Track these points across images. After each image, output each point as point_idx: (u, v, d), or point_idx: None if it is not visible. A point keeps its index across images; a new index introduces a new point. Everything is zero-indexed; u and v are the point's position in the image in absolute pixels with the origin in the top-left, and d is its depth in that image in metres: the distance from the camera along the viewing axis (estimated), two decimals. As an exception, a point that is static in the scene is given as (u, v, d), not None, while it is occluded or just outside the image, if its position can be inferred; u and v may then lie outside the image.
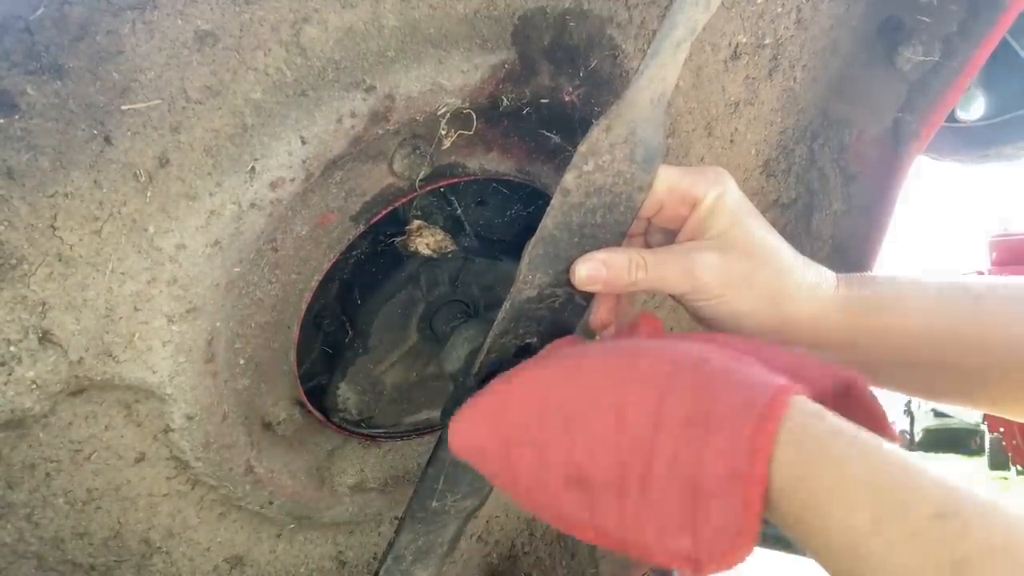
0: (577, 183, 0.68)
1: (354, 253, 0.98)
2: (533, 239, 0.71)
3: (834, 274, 0.77)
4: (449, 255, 0.97)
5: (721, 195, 0.71)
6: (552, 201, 0.69)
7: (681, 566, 0.51)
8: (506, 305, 0.73)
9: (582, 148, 0.67)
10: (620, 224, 0.72)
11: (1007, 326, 0.70)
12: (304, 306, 0.88)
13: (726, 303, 0.71)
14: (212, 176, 0.72)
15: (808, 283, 0.73)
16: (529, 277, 0.72)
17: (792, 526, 0.48)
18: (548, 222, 0.70)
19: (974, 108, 1.60)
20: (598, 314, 0.76)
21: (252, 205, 0.74)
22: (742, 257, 0.71)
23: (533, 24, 0.82)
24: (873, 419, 0.55)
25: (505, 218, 1.11)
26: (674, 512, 0.50)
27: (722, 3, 0.97)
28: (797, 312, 0.73)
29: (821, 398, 0.53)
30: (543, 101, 0.86)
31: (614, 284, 0.71)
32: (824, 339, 0.74)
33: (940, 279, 0.75)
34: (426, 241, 0.95)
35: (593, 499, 0.56)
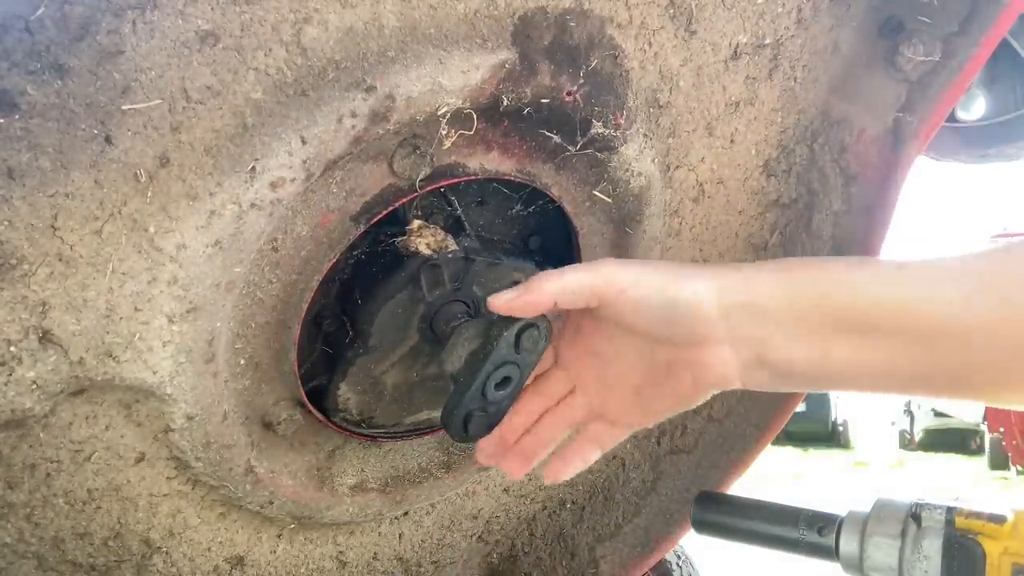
0: None
1: (354, 253, 0.98)
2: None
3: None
4: (449, 255, 0.97)
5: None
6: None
7: None
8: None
9: None
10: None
11: None
12: (304, 306, 0.88)
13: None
14: (213, 176, 0.72)
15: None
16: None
17: None
18: None
19: (975, 108, 1.60)
20: None
21: (252, 205, 0.74)
22: None
23: (533, 24, 0.82)
24: None
25: (505, 218, 1.11)
26: None
27: (722, 2, 0.97)
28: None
29: None
30: (543, 101, 0.86)
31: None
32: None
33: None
34: (426, 241, 0.95)
35: None
